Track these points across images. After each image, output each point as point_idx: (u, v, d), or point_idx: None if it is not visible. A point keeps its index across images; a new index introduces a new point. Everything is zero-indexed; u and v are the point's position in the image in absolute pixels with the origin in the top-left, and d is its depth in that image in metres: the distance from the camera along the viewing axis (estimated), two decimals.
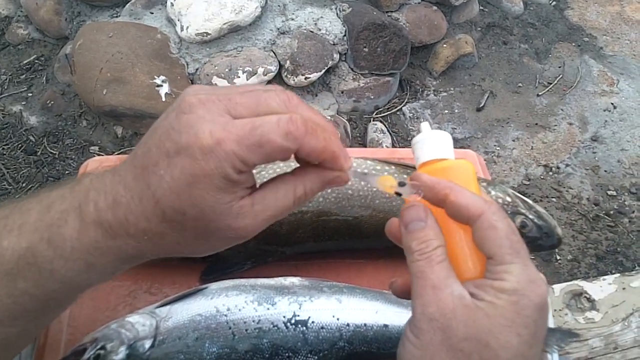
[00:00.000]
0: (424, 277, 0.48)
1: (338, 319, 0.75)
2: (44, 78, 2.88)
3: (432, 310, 0.46)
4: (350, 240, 0.88)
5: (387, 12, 2.85)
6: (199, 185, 0.46)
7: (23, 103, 2.81)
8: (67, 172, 2.54)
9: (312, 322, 0.74)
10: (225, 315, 0.73)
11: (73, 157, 2.59)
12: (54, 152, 2.61)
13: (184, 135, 0.46)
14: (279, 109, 0.49)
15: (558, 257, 2.29)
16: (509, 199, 0.87)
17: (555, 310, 1.38)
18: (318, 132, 0.49)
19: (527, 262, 0.47)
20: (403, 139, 2.73)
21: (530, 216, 0.87)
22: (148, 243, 0.50)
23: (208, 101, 0.48)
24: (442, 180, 0.51)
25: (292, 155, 0.50)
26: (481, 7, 3.27)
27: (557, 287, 1.43)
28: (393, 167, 0.90)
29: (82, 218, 0.50)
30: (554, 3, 3.60)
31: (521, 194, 0.91)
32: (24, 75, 2.92)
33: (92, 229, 0.50)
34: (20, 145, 2.64)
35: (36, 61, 2.97)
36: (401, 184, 0.53)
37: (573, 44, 3.35)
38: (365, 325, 0.76)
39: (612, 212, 2.49)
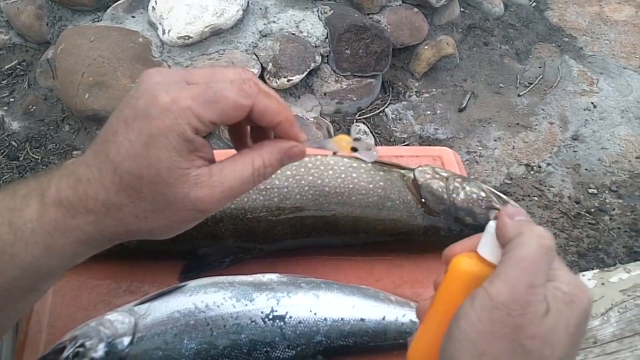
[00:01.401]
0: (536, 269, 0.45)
1: (315, 314, 0.76)
2: (26, 83, 2.86)
3: (505, 300, 0.44)
4: (327, 237, 0.89)
5: (368, 14, 2.86)
6: (155, 145, 0.48)
7: (5, 108, 2.79)
8: None
9: (290, 317, 0.75)
10: (204, 312, 0.74)
11: (56, 162, 2.58)
12: (37, 157, 2.60)
13: (142, 99, 0.48)
14: (235, 79, 0.51)
15: None
16: (483, 194, 0.89)
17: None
18: (272, 95, 0.52)
19: (571, 273, 0.47)
20: (386, 139, 2.75)
21: None
22: (107, 218, 0.50)
23: (166, 72, 0.50)
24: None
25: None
26: (462, 9, 3.29)
27: None
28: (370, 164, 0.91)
29: (43, 199, 0.51)
30: (534, 4, 3.64)
31: (502, 193, 0.92)
32: (5, 81, 2.91)
33: (52, 210, 0.51)
34: (2, 151, 2.62)
35: (18, 66, 2.96)
36: (356, 139, 0.54)
37: (553, 45, 3.38)
38: (342, 319, 0.77)
39: (593, 210, 2.51)
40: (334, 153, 0.89)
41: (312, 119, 2.59)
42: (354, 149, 0.54)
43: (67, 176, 0.51)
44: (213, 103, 0.49)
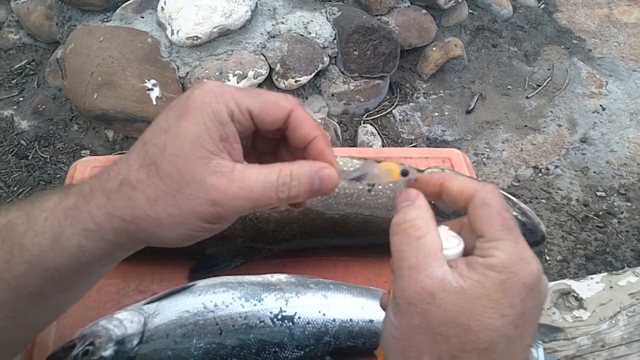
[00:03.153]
0: (402, 256, 0.45)
1: (324, 315, 0.76)
2: (35, 82, 2.88)
3: (410, 294, 0.43)
4: (336, 238, 0.89)
5: (376, 15, 2.86)
6: (188, 117, 0.48)
7: (14, 107, 2.81)
8: (58, 175, 2.54)
9: (299, 317, 0.75)
10: (213, 312, 0.74)
11: (64, 161, 2.59)
12: (45, 156, 2.61)
13: (190, 90, 0.50)
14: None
15: (547, 258, 2.30)
16: None
17: (543, 309, 1.39)
18: (310, 118, 0.53)
19: (519, 240, 0.45)
20: (393, 141, 2.75)
21: (514, 213, 0.88)
22: (118, 198, 0.49)
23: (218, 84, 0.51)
24: (436, 174, 0.52)
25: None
26: (470, 11, 3.29)
27: None
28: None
29: (68, 190, 0.52)
30: (543, 6, 3.63)
31: (509, 194, 0.92)
32: (15, 80, 2.92)
33: (71, 198, 0.51)
34: (11, 150, 2.63)
35: (27, 66, 2.98)
36: (404, 173, 0.51)
37: (562, 47, 3.38)
38: (351, 320, 0.77)
39: (601, 212, 2.51)
40: (369, 189, 0.87)
41: (319, 120, 2.59)
42: (404, 173, 0.51)
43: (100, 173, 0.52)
44: (255, 94, 0.51)
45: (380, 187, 0.88)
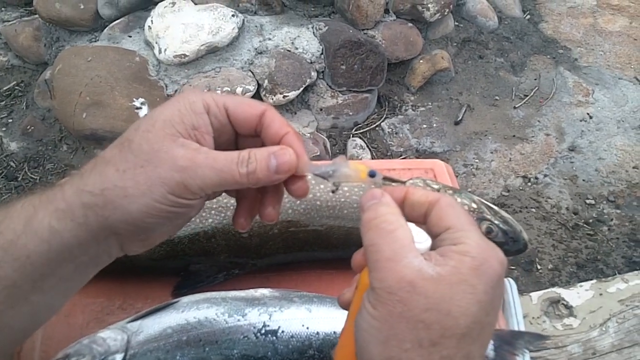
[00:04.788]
0: (377, 249, 0.47)
1: (308, 328, 0.76)
2: (24, 104, 2.88)
3: (390, 284, 0.45)
4: (320, 251, 0.89)
5: (363, 29, 2.88)
6: (166, 105, 0.53)
7: (3, 129, 2.80)
8: None
9: (282, 331, 0.75)
10: (196, 328, 0.74)
11: (54, 181, 2.59)
12: (35, 177, 2.61)
13: (173, 97, 0.56)
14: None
15: (539, 267, 2.31)
16: (474, 205, 0.89)
17: (533, 317, 1.39)
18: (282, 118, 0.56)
19: (482, 235, 0.48)
20: (382, 154, 2.76)
21: (496, 222, 0.88)
22: (90, 175, 0.51)
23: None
24: (398, 186, 0.53)
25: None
26: (456, 23, 3.31)
27: (535, 295, 1.44)
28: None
29: (58, 186, 0.54)
30: (528, 17, 3.66)
31: (499, 205, 0.92)
32: (3, 102, 2.92)
33: (50, 186, 0.54)
34: (0, 171, 2.63)
35: (16, 87, 2.98)
36: (371, 174, 0.54)
37: (548, 57, 3.40)
38: (334, 333, 0.76)
39: (591, 220, 2.52)
40: (334, 190, 0.89)
41: (308, 135, 2.60)
42: (372, 174, 0.54)
43: None
44: (231, 95, 0.55)
45: (359, 197, 0.88)
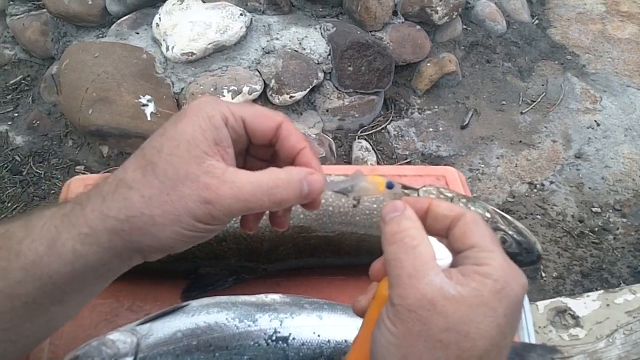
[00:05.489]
0: (399, 265, 0.46)
1: (319, 336, 0.75)
2: (30, 98, 2.88)
3: (411, 302, 0.44)
4: (331, 257, 0.88)
5: (371, 31, 2.88)
6: (183, 120, 0.51)
7: (9, 123, 2.80)
8: (52, 191, 2.53)
9: (293, 338, 0.75)
10: (207, 333, 0.73)
11: (59, 176, 2.59)
12: (40, 171, 2.60)
13: (187, 108, 0.53)
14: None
15: (543, 274, 2.30)
16: (488, 215, 0.88)
17: (539, 327, 1.38)
18: (299, 131, 0.56)
19: (506, 256, 0.47)
20: (388, 156, 2.75)
21: (510, 232, 0.87)
22: (113, 199, 0.50)
23: (213, 97, 0.56)
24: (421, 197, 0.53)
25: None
26: (464, 26, 3.30)
27: (541, 304, 1.43)
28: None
29: (65, 201, 0.53)
30: (537, 22, 3.65)
31: (504, 211, 0.91)
32: (10, 96, 2.92)
33: (69, 205, 0.52)
34: (5, 165, 2.63)
35: (22, 81, 2.98)
36: (389, 186, 0.53)
37: (556, 62, 3.39)
38: (346, 341, 0.76)
39: (596, 229, 2.50)
40: (355, 205, 0.88)
41: (314, 135, 2.60)
42: (389, 186, 0.53)
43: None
44: (248, 106, 0.55)
45: (374, 205, 0.87)
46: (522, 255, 0.87)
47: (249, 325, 0.75)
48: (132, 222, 0.50)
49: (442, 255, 0.48)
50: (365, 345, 0.49)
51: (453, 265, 0.48)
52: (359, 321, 0.78)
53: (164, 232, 0.50)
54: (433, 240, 0.49)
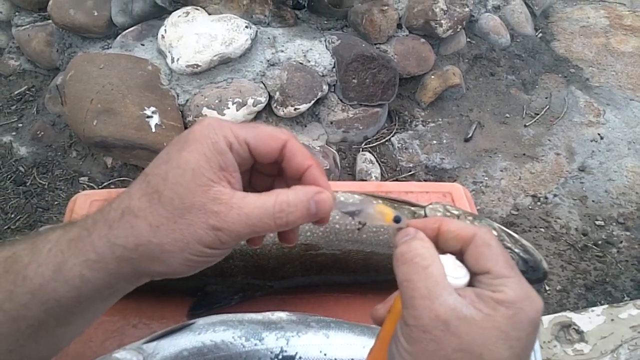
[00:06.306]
0: (412, 285, 0.47)
1: (325, 355, 0.75)
2: (35, 109, 2.89)
3: (424, 323, 0.45)
4: (338, 275, 0.88)
5: (375, 44, 2.88)
6: (187, 148, 0.50)
7: (13, 134, 2.81)
8: (56, 202, 2.53)
9: (300, 357, 0.74)
10: (213, 351, 0.73)
11: (62, 187, 2.59)
12: (44, 182, 2.61)
13: (191, 133, 0.52)
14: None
15: (547, 288, 2.29)
16: (494, 232, 0.88)
17: (544, 342, 1.38)
18: (304, 149, 0.55)
19: (522, 278, 0.48)
20: (392, 169, 2.75)
21: (516, 250, 0.87)
22: (120, 227, 0.50)
23: (216, 119, 0.54)
24: (430, 218, 0.53)
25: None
26: (468, 39, 3.31)
27: (546, 319, 1.43)
28: (380, 200, 0.90)
29: (70, 224, 0.53)
30: (541, 35, 3.66)
31: (508, 224, 0.91)
32: (14, 106, 2.93)
33: (74, 230, 0.52)
34: (9, 176, 2.63)
35: (27, 92, 2.99)
36: (396, 220, 0.53)
37: (559, 75, 3.40)
38: None
39: (600, 242, 2.50)
40: (361, 227, 0.88)
41: (318, 148, 2.60)
42: (397, 220, 0.53)
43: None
44: (251, 127, 0.53)
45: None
46: (528, 273, 0.87)
47: (255, 344, 0.74)
48: (140, 251, 0.50)
49: (459, 274, 0.49)
50: (381, 356, 0.50)
51: (471, 283, 0.49)
52: (365, 340, 0.78)
53: (173, 259, 0.50)
54: (451, 258, 0.50)
